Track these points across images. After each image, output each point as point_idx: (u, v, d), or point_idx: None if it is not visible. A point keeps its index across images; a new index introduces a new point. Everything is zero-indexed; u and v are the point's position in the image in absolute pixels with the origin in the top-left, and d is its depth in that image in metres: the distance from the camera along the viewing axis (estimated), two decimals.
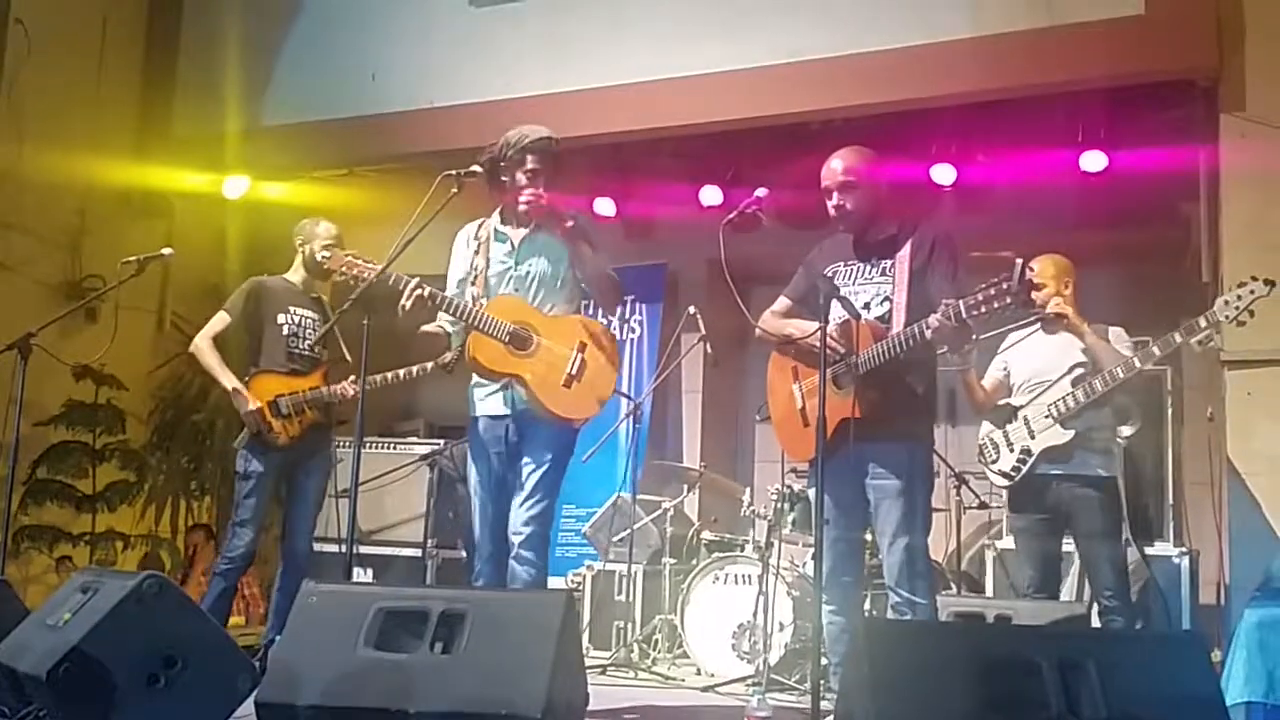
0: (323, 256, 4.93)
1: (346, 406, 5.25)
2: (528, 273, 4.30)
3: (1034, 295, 4.89)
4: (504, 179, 4.28)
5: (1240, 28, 5.58)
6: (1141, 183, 6.67)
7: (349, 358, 4.94)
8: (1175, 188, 6.48)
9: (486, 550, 4.29)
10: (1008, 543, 5.95)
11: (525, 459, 4.22)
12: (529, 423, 4.24)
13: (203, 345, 5.30)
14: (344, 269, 4.62)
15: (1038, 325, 4.98)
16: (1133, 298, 6.57)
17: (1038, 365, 4.94)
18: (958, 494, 6.19)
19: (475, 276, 4.33)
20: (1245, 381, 5.44)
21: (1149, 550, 5.65)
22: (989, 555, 6.05)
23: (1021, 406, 4.92)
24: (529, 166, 4.24)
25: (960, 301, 3.63)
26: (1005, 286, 3.54)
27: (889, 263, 4.06)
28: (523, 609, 3.17)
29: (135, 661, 3.30)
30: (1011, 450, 4.91)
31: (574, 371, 4.22)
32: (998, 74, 6.01)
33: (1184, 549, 5.64)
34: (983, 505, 6.25)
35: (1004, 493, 5.97)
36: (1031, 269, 4.70)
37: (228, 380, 5.25)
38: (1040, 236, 6.99)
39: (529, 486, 4.18)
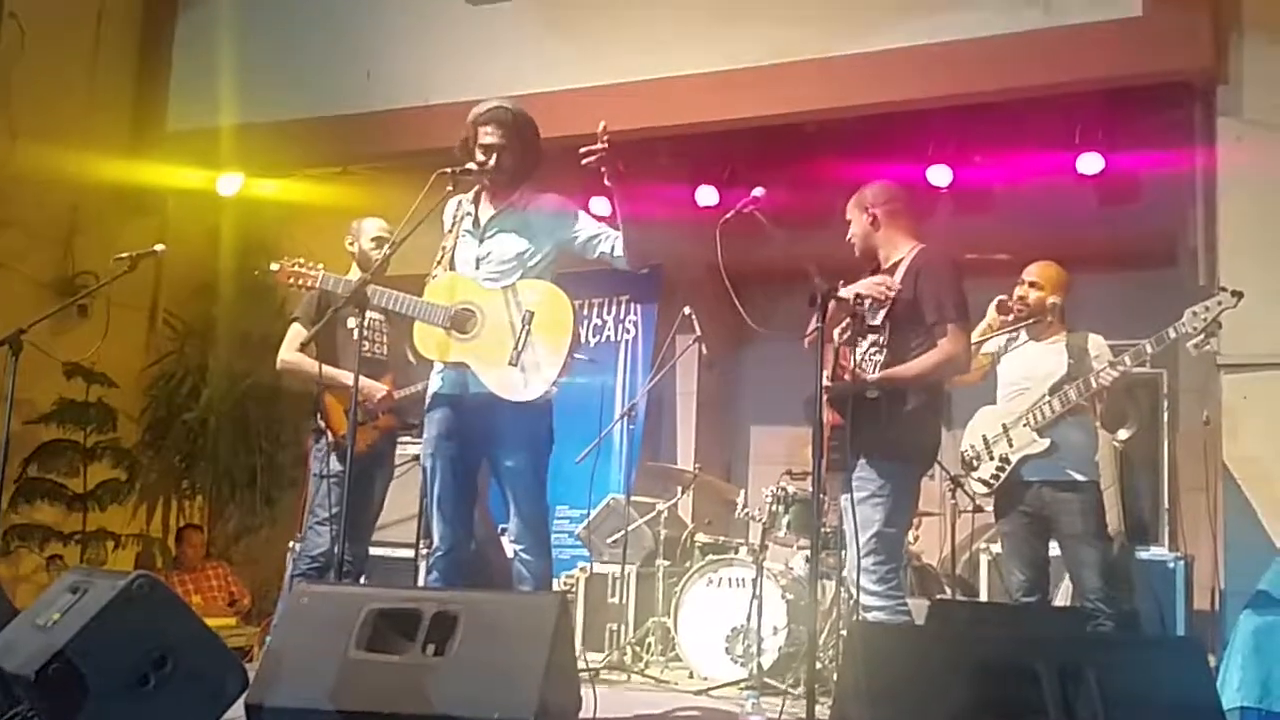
0: (274, 268, 4.78)
1: (414, 410, 5.04)
2: (489, 252, 4.14)
3: (1028, 298, 4.92)
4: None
5: (1238, 31, 5.57)
6: (1138, 185, 6.66)
7: (414, 360, 4.80)
8: (1172, 190, 6.47)
9: (444, 546, 4.08)
10: None
11: (504, 460, 4.05)
12: (490, 410, 4.00)
13: (292, 358, 5.12)
14: (291, 279, 4.57)
15: (1024, 332, 4.99)
16: (1129, 299, 6.55)
17: (1022, 371, 4.94)
18: (953, 497, 6.16)
19: (443, 256, 4.20)
20: (1241, 385, 5.43)
21: (1144, 555, 5.65)
22: (984, 559, 6.04)
23: (1005, 414, 4.92)
24: (483, 141, 4.14)
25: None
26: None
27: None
28: (516, 611, 3.15)
29: (124, 662, 3.28)
30: (991, 458, 4.92)
31: (520, 347, 3.96)
32: (994, 75, 6.00)
33: (1179, 554, 5.64)
34: (978, 509, 6.23)
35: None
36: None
37: (345, 378, 4.89)
38: (1037, 238, 6.97)
39: (514, 495, 4.05)
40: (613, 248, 4.11)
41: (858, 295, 4.00)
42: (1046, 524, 4.81)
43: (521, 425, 4.03)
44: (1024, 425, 4.81)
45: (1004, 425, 4.87)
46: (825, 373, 3.82)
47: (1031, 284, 4.93)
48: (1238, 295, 4.44)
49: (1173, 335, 4.54)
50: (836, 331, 4.06)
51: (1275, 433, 5.35)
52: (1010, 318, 4.95)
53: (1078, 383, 4.72)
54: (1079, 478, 4.76)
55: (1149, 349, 4.60)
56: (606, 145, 3.91)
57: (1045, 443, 4.75)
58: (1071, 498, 4.73)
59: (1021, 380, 4.91)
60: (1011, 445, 4.84)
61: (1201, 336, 4.51)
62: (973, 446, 5.01)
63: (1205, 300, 4.49)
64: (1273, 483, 5.30)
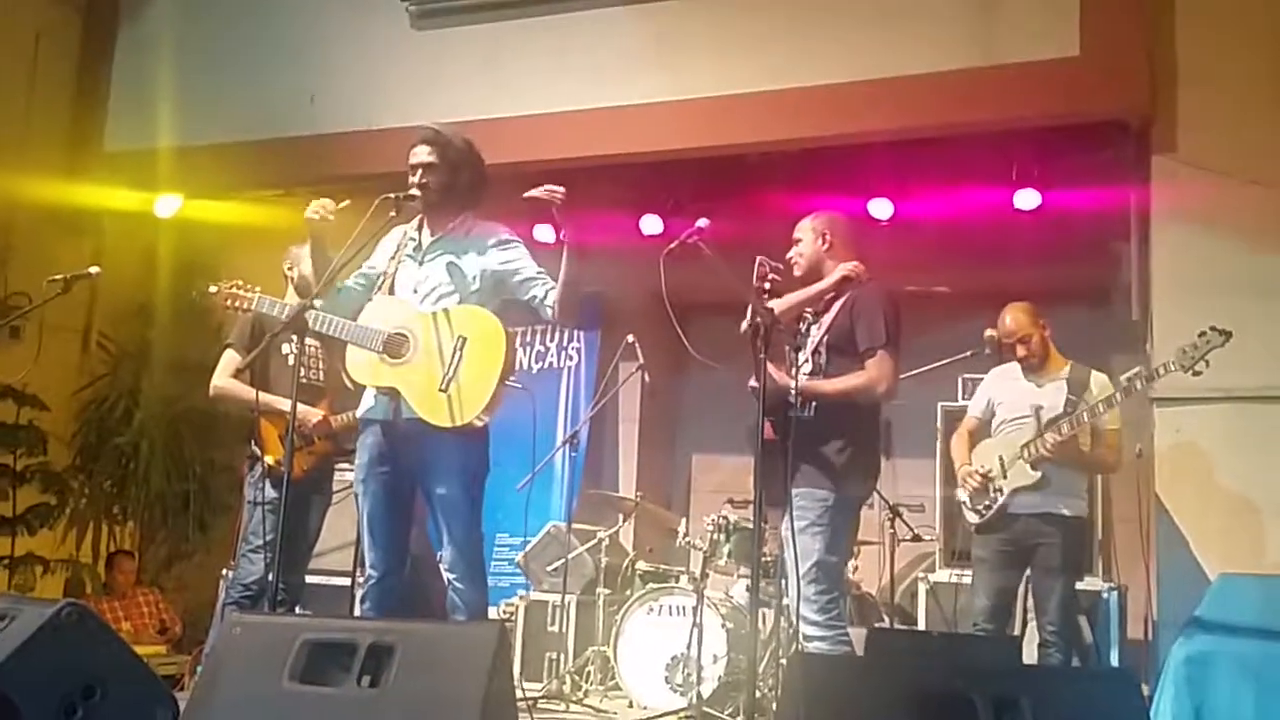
0: (211, 290, 4.72)
1: (351, 437, 4.96)
2: (427, 276, 4.11)
3: (1031, 348, 5.03)
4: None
5: (1173, 71, 5.70)
6: (1074, 221, 6.77)
7: (351, 385, 4.76)
8: (1107, 226, 6.58)
9: (377, 573, 4.03)
10: (941, 576, 6.01)
11: (436, 487, 3.99)
12: (422, 437, 3.95)
13: (225, 384, 5.05)
14: (229, 301, 4.52)
15: (1017, 366, 5.09)
16: (1063, 333, 6.64)
17: (1022, 405, 5.01)
18: (891, 526, 6.21)
19: (384, 281, 4.17)
20: (1174, 419, 5.53)
21: (1079, 585, 5.72)
22: (922, 588, 6.08)
23: (1002, 447, 5.01)
24: (412, 161, 4.13)
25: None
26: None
27: (825, 316, 4.26)
28: (454, 641, 3.10)
29: (51, 692, 3.19)
30: (987, 492, 4.99)
31: (451, 372, 3.91)
32: (934, 111, 6.07)
33: (1113, 584, 5.71)
34: (916, 538, 6.28)
35: (935, 526, 6.07)
36: None
37: (280, 403, 4.90)
38: (974, 272, 7.09)
39: (447, 523, 3.98)
40: (545, 295, 4.07)
41: (801, 303, 4.16)
42: (1027, 555, 4.90)
43: (454, 452, 3.98)
44: (1017, 458, 4.90)
45: (1001, 459, 4.96)
46: (753, 381, 3.85)
47: (1021, 339, 5.03)
48: (1225, 335, 4.54)
49: (1161, 373, 4.68)
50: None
51: (1206, 465, 5.45)
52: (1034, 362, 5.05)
53: (1071, 418, 4.81)
54: (1067, 512, 4.88)
55: (1138, 385, 4.75)
56: (561, 197, 3.88)
57: (1036, 475, 4.85)
58: (1056, 532, 4.84)
59: (1018, 412, 5.00)
60: (1005, 476, 4.93)
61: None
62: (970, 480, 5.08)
63: (1197, 339, 4.58)
64: (1204, 514, 5.40)
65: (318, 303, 4.08)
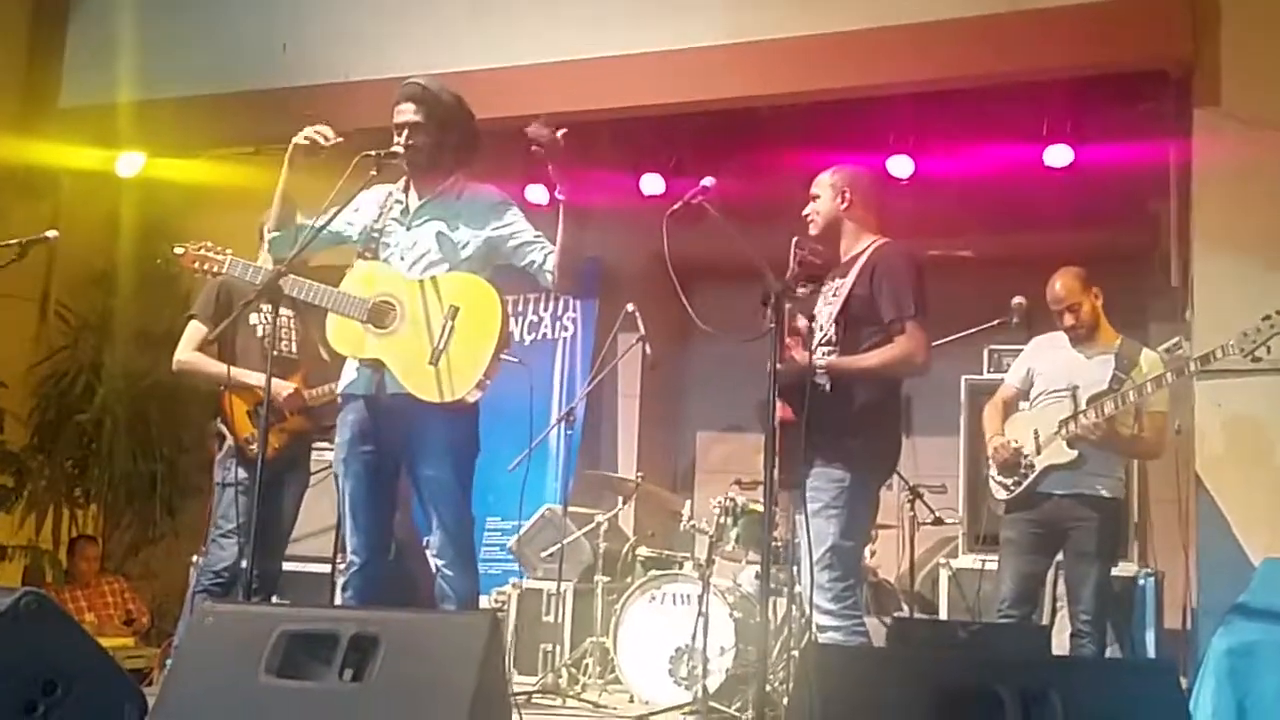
0: (178, 251, 4.73)
1: (329, 413, 4.98)
2: (416, 241, 4.10)
3: (1067, 315, 5.00)
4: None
5: (1216, 15, 5.64)
6: (1109, 179, 6.75)
7: (328, 357, 4.75)
8: (1144, 185, 6.57)
9: (359, 560, 4.03)
10: (964, 561, 6.01)
11: (423, 468, 4.00)
12: (409, 413, 3.94)
13: (190, 358, 5.08)
14: (196, 264, 4.51)
15: (1064, 335, 5.08)
16: None
17: (1059, 375, 5.01)
18: (911, 509, 6.21)
19: (368, 246, 4.14)
20: (1215, 393, 5.49)
21: (1112, 571, 5.73)
22: (944, 574, 6.08)
23: (1039, 420, 5.01)
24: (396, 119, 4.09)
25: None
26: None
27: (841, 283, 4.20)
28: (442, 632, 3.11)
29: (9, 688, 3.20)
30: (1018, 466, 5.00)
31: (441, 344, 3.88)
32: (958, 61, 6.05)
33: (1149, 570, 5.71)
34: (938, 521, 6.29)
35: (958, 508, 6.07)
36: None
37: (249, 378, 4.93)
38: (1001, 235, 7.08)
39: (435, 507, 4.00)
40: (544, 260, 4.07)
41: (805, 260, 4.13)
42: (1059, 538, 4.92)
43: (442, 430, 3.97)
44: (1055, 433, 4.90)
45: (1036, 432, 4.96)
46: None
47: (1070, 307, 4.99)
48: None
49: (1219, 356, 4.65)
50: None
51: (1251, 442, 5.44)
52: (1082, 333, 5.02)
53: (1116, 396, 4.80)
54: (1105, 493, 4.88)
55: (1193, 367, 4.75)
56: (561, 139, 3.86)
57: (1073, 454, 4.84)
58: (1093, 514, 4.85)
59: (1059, 385, 4.99)
60: (1039, 452, 4.93)
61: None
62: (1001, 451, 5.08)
63: (1260, 322, 4.55)
64: (1247, 493, 5.39)
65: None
